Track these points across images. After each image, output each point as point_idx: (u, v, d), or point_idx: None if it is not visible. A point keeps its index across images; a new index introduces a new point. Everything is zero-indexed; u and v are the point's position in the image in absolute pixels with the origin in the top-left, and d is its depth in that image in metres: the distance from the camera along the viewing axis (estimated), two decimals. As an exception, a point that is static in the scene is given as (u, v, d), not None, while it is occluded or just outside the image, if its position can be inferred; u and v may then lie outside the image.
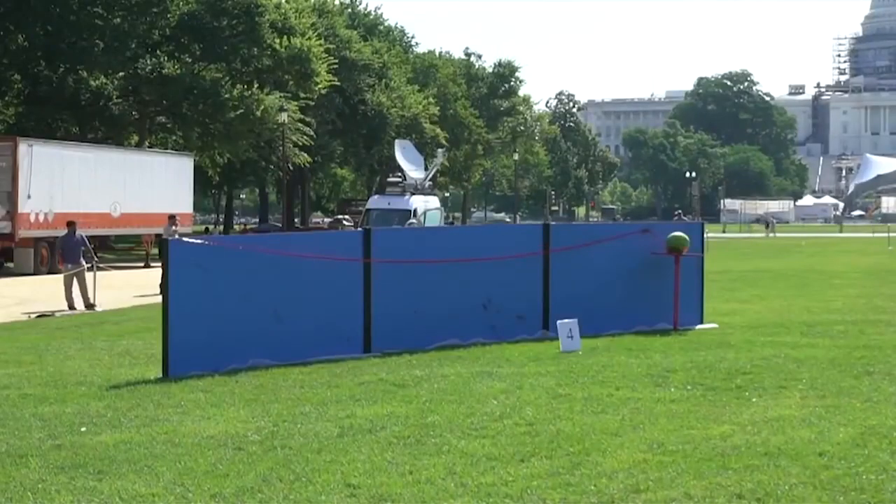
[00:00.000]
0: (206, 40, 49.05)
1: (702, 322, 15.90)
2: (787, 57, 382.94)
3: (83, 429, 8.93)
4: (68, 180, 36.59)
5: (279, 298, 12.62)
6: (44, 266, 33.94)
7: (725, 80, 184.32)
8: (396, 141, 44.68)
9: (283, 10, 53.17)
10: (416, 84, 74.27)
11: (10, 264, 34.35)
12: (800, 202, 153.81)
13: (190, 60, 50.14)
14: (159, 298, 13.98)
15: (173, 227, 26.24)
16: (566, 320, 13.40)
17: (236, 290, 12.33)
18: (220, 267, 12.29)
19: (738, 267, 34.02)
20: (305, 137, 53.43)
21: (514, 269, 14.60)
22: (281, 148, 52.96)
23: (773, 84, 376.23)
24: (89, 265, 22.48)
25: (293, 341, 12.56)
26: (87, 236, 24.01)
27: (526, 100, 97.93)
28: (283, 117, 48.85)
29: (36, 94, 47.46)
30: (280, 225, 64.80)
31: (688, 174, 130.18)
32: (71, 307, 21.56)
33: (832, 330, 15.20)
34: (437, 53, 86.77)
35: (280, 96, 50.36)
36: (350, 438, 8.43)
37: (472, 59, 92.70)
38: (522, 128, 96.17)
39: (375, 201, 39.15)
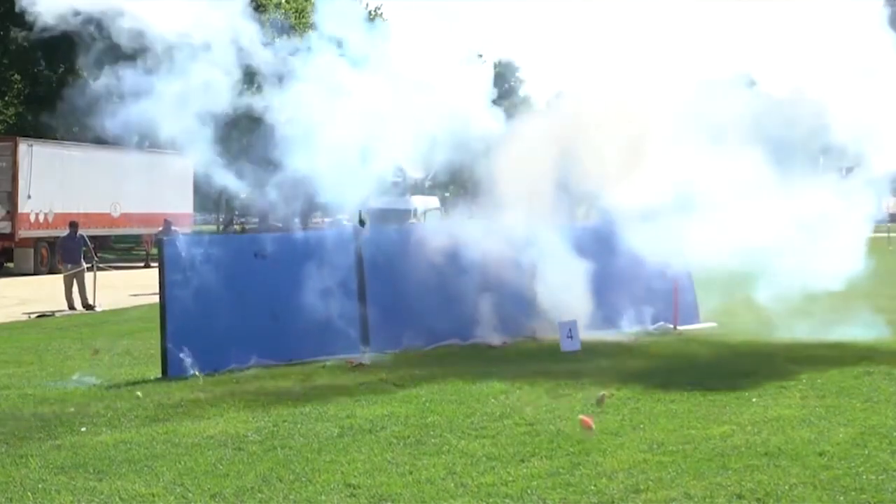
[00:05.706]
0: (205, 40, 49.07)
1: (700, 321, 15.89)
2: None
3: (83, 429, 8.94)
4: (68, 180, 36.55)
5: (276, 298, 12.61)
6: (44, 266, 33.92)
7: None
8: (396, 141, 44.60)
9: (284, 10, 53.17)
10: (416, 84, 74.12)
11: (10, 264, 34.32)
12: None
13: (190, 60, 50.17)
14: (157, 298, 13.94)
15: (173, 229, 26.12)
16: (566, 320, 13.39)
17: (234, 289, 12.33)
18: (218, 266, 12.28)
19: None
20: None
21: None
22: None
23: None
24: (89, 265, 22.47)
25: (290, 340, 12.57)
26: (87, 236, 23.98)
27: (526, 100, 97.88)
28: (284, 117, 48.87)
29: (36, 94, 47.42)
30: (280, 225, 64.68)
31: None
32: (71, 307, 21.56)
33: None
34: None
35: (280, 96, 50.37)
36: (350, 438, 8.43)
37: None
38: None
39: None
